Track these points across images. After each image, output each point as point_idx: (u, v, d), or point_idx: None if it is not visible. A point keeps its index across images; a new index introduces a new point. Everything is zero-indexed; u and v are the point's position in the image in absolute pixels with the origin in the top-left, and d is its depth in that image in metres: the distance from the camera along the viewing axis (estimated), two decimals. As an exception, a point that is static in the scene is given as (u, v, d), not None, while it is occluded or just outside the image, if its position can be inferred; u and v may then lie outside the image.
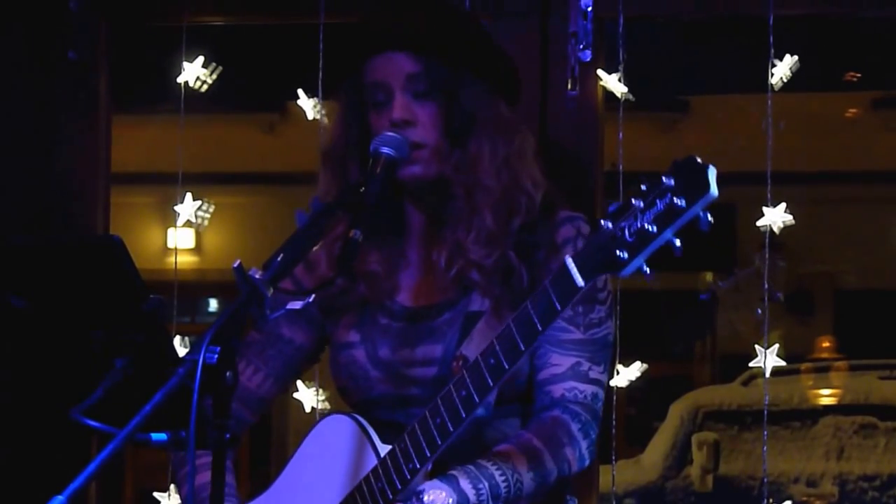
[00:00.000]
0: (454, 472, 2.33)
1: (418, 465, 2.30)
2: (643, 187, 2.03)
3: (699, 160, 1.99)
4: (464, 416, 2.26)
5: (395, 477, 2.33)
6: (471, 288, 2.49)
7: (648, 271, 2.05)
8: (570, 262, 2.13)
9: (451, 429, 2.27)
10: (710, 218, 1.99)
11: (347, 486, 2.41)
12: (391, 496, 2.33)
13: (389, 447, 2.36)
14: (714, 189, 1.97)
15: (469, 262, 2.46)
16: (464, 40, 2.53)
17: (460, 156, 2.49)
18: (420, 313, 2.53)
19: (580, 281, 2.12)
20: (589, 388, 2.46)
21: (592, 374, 2.47)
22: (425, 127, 2.47)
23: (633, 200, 2.04)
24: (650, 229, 2.01)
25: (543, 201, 2.52)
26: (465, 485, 2.31)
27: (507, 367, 2.22)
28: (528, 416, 2.49)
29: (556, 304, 2.15)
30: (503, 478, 2.34)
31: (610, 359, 2.54)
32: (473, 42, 2.55)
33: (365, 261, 2.52)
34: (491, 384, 2.23)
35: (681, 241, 2.02)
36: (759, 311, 3.27)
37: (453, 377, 2.34)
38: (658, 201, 2.01)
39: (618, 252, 2.05)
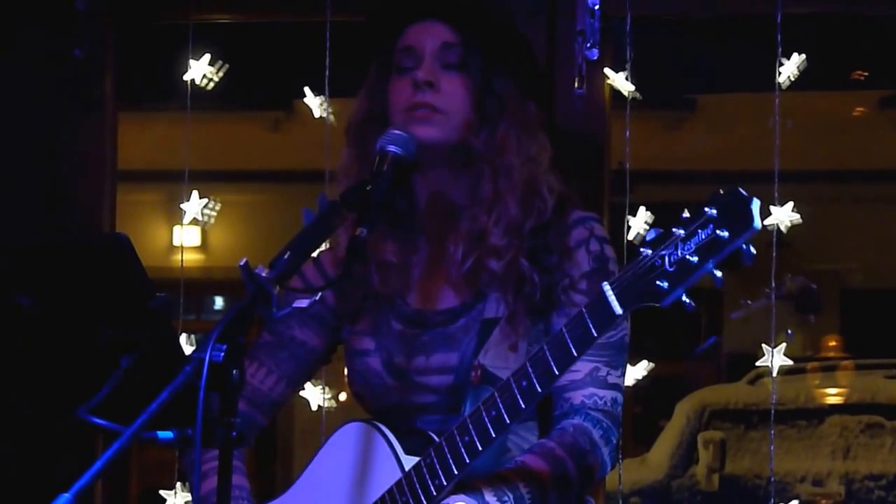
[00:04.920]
0: (480, 486, 2.31)
1: (445, 483, 2.29)
2: (684, 216, 2.00)
3: (744, 192, 1.96)
4: (493, 435, 2.25)
5: (420, 493, 2.31)
6: (485, 291, 2.47)
7: (689, 302, 2.02)
8: (607, 288, 2.09)
9: (480, 448, 2.26)
10: (753, 251, 1.97)
11: (367, 497, 2.40)
12: None
13: (413, 459, 2.35)
14: (758, 223, 1.94)
15: (488, 251, 2.44)
16: (501, 28, 2.54)
17: (489, 135, 2.48)
18: (434, 319, 2.51)
19: (618, 309, 2.08)
20: (609, 394, 2.44)
21: (611, 379, 2.45)
22: (448, 96, 2.46)
23: (674, 229, 2.01)
24: (692, 260, 1.98)
25: (555, 203, 2.50)
26: (490, 498, 2.29)
27: (540, 390, 2.20)
28: (545, 419, 2.48)
29: (593, 330, 2.12)
30: (528, 489, 2.32)
31: (626, 361, 2.52)
32: (510, 34, 2.56)
33: (380, 250, 2.51)
34: (523, 406, 2.22)
35: (721, 273, 1.99)
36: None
37: (471, 387, 2.34)
38: (700, 231, 1.98)
39: (658, 282, 2.02)
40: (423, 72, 2.46)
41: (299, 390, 2.85)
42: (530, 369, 2.20)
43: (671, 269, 2.01)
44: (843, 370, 8.50)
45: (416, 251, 2.55)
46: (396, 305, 2.54)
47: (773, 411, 3.37)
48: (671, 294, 2.02)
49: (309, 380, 2.71)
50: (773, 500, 3.26)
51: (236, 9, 3.64)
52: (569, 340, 2.15)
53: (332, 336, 2.62)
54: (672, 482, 7.89)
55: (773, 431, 3.38)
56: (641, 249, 2.05)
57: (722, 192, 1.98)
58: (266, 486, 2.50)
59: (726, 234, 1.96)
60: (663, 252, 2.02)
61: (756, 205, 1.95)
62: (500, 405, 2.23)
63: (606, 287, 2.09)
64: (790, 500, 3.27)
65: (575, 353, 2.15)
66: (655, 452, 8.09)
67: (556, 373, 2.18)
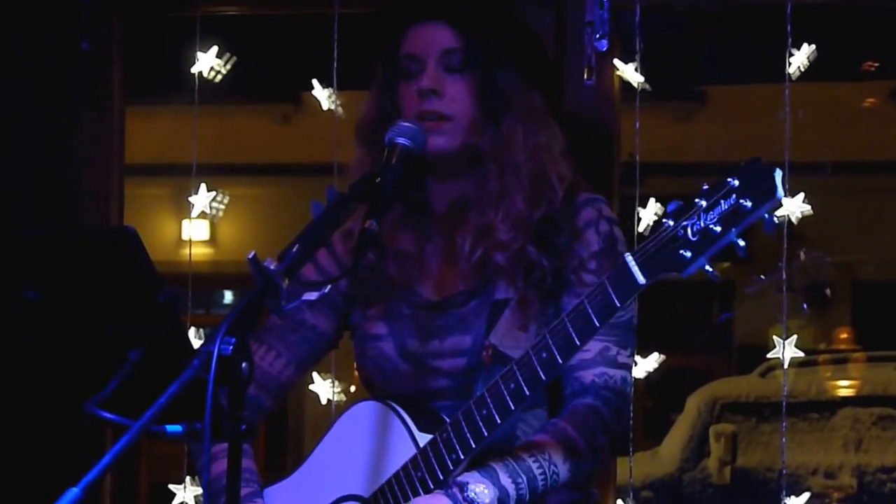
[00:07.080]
0: (493, 466, 2.32)
1: (462, 456, 2.31)
2: (704, 187, 2.03)
3: (765, 163, 2.00)
4: (512, 408, 2.26)
5: (436, 467, 2.33)
6: (494, 276, 2.48)
7: (712, 270, 2.05)
8: (629, 259, 2.12)
9: (499, 421, 2.27)
10: (776, 220, 1.99)
11: (381, 473, 2.41)
12: (432, 486, 2.33)
13: (428, 437, 2.36)
14: (781, 192, 1.98)
15: (494, 244, 2.46)
16: (504, 23, 2.54)
17: (493, 133, 2.49)
18: (448, 302, 2.52)
19: (641, 279, 2.11)
20: (618, 373, 2.46)
21: (621, 359, 2.47)
22: (453, 100, 2.48)
23: (696, 200, 2.04)
24: (715, 229, 2.02)
25: (565, 190, 2.51)
26: (505, 480, 2.31)
27: (560, 361, 2.22)
28: (553, 403, 2.49)
29: (615, 300, 2.15)
30: (540, 470, 2.34)
31: (635, 343, 2.53)
32: (514, 27, 2.56)
33: (397, 238, 2.53)
34: (543, 378, 2.24)
35: (744, 242, 2.02)
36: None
37: (483, 366, 2.36)
38: (722, 201, 2.01)
39: (680, 251, 2.05)
40: (426, 80, 2.48)
41: (306, 374, 2.85)
42: (550, 341, 2.22)
43: (694, 239, 2.04)
44: (855, 362, 8.49)
45: (430, 240, 2.57)
46: (410, 292, 2.55)
47: (784, 404, 3.36)
48: (693, 263, 2.04)
49: (316, 363, 2.71)
50: (784, 493, 3.24)
51: (244, 1, 3.63)
52: (590, 311, 2.17)
53: (342, 320, 2.63)
54: (683, 475, 7.88)
55: (784, 424, 3.37)
56: (663, 220, 2.08)
57: (743, 163, 2.01)
58: (277, 480, 2.50)
59: (749, 203, 1.99)
60: (685, 222, 2.05)
61: (779, 175, 1.98)
62: (520, 378, 2.25)
63: (629, 257, 2.12)
64: (802, 493, 3.26)
65: (597, 324, 2.17)
66: (667, 446, 8.08)
67: (578, 344, 2.20)
